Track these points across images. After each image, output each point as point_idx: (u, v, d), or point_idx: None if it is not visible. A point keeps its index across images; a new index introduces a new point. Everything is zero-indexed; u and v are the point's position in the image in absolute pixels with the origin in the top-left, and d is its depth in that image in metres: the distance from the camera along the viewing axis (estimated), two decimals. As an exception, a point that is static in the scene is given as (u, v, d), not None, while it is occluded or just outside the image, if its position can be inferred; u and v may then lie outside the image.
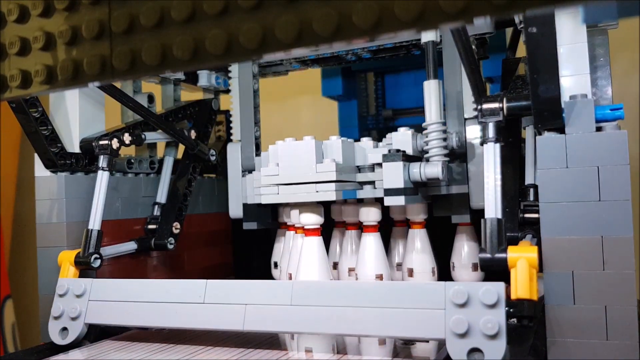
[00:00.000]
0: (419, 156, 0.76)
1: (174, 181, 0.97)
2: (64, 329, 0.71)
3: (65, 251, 0.79)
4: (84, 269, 0.77)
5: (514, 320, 0.58)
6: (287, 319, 0.61)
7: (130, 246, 0.89)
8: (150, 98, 0.99)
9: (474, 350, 0.52)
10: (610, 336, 0.55)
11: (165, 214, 0.94)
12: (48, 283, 0.81)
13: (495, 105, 0.64)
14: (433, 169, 0.72)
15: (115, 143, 0.83)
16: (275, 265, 0.92)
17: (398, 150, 0.72)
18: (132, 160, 0.93)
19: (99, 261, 0.78)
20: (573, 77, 0.59)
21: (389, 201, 0.71)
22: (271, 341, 0.69)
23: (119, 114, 1.00)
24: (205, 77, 1.01)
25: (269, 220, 0.91)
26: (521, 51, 0.88)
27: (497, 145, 0.63)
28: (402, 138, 0.75)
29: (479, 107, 0.65)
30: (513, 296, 0.56)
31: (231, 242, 1.12)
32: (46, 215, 0.82)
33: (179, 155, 1.00)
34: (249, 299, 0.63)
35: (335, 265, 0.85)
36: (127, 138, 0.85)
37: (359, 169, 0.77)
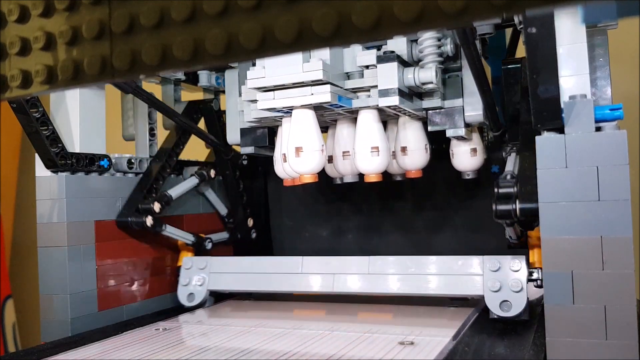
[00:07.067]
0: (414, 65, 0.76)
1: (229, 194, 1.08)
2: (191, 294, 0.92)
3: None
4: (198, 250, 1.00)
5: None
6: (365, 284, 0.83)
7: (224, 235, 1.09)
8: (151, 98, 1.00)
9: (504, 302, 0.73)
10: (609, 336, 0.55)
11: (238, 217, 1.09)
12: (48, 283, 0.81)
13: (509, 207, 0.66)
14: (427, 73, 0.72)
15: (149, 221, 0.88)
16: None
17: (392, 52, 0.71)
18: (133, 161, 0.93)
19: (210, 244, 1.01)
20: (572, 78, 0.59)
21: (383, 102, 0.71)
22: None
23: (119, 113, 1.00)
24: (205, 77, 1.01)
25: (266, 143, 0.89)
26: (521, 51, 0.88)
27: None
28: (397, 44, 0.75)
29: (495, 208, 0.67)
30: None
31: (231, 244, 1.13)
32: (47, 215, 0.82)
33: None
34: (336, 270, 0.85)
35: (330, 159, 0.85)
36: (157, 207, 0.90)
37: (348, 76, 0.76)
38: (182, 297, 0.93)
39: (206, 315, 0.88)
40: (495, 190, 0.70)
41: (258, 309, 0.92)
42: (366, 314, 0.87)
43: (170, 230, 0.94)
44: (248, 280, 0.90)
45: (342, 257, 0.85)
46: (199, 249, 1.01)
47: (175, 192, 0.96)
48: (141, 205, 0.89)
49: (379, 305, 0.90)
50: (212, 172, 1.04)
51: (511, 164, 0.79)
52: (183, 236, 0.98)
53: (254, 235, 1.10)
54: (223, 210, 1.10)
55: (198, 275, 0.92)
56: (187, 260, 0.95)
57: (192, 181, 1.01)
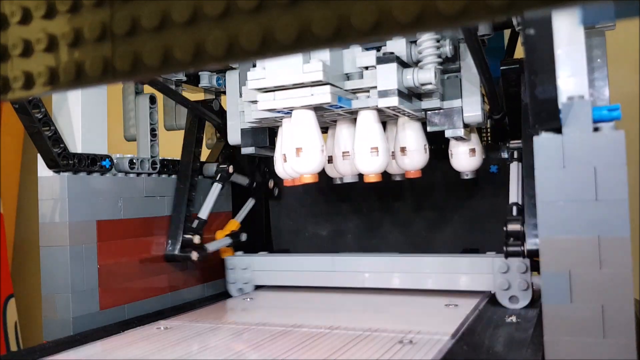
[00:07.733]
0: (413, 66, 0.77)
1: (248, 168, 1.15)
2: (240, 289, 1.04)
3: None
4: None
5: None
6: (390, 280, 0.94)
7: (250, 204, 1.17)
8: (152, 99, 1.00)
9: (513, 297, 0.83)
10: (607, 335, 0.55)
11: (258, 180, 1.16)
12: (50, 282, 0.81)
13: (518, 249, 0.80)
14: (426, 74, 0.73)
15: (194, 255, 0.97)
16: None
17: (392, 53, 0.72)
18: (134, 161, 0.94)
19: (245, 235, 1.11)
20: (570, 78, 0.60)
21: (382, 102, 0.71)
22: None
23: (120, 114, 1.01)
24: (206, 79, 1.02)
25: (266, 143, 0.90)
26: (519, 52, 0.88)
27: None
28: (396, 46, 0.76)
29: (505, 249, 0.81)
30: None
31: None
32: (49, 215, 0.83)
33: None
34: (366, 269, 0.95)
35: (330, 159, 0.86)
36: (197, 239, 0.98)
37: (348, 77, 0.76)
38: (233, 291, 1.05)
39: (207, 314, 0.90)
40: (504, 228, 0.80)
41: (260, 307, 0.95)
42: (366, 313, 0.87)
43: (211, 248, 1.02)
44: (286, 277, 1.02)
45: (371, 256, 0.96)
46: (237, 246, 1.10)
47: (206, 210, 1.02)
48: (183, 238, 0.97)
49: (379, 305, 0.90)
50: (231, 168, 1.07)
51: (515, 181, 0.85)
52: (222, 244, 1.07)
53: (276, 193, 1.16)
54: (245, 181, 1.14)
55: (244, 274, 1.04)
56: (229, 261, 1.06)
57: (217, 188, 1.05)
